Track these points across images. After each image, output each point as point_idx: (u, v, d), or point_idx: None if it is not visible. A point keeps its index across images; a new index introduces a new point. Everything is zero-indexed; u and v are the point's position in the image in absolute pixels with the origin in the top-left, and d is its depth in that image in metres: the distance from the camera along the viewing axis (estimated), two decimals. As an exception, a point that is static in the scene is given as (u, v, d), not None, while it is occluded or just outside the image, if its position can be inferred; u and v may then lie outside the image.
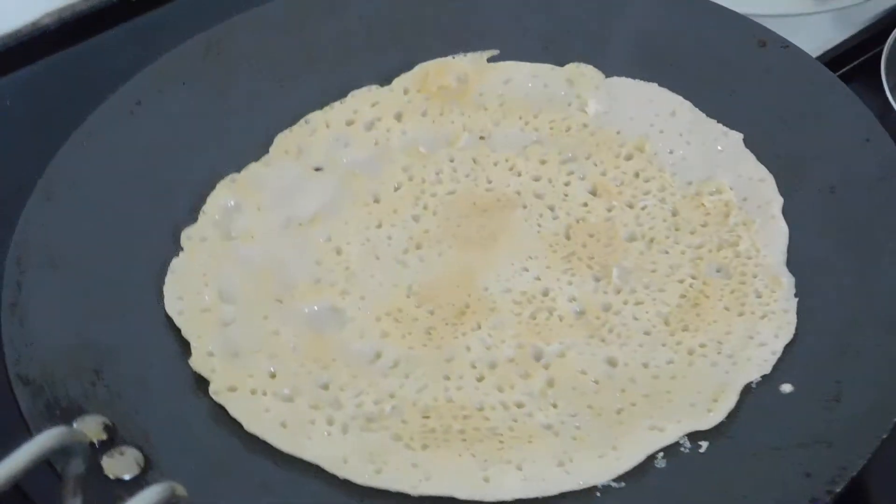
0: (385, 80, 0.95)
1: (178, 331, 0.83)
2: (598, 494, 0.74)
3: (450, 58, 0.95)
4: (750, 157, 0.87)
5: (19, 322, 0.82)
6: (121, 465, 0.75)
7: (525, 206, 0.88)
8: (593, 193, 0.88)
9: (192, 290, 0.84)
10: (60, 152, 0.91)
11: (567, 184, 0.89)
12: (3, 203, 0.91)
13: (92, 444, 0.75)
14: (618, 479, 0.75)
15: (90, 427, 0.76)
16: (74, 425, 0.75)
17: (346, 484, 0.76)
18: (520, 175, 0.89)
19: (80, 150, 0.91)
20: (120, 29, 1.17)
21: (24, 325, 0.82)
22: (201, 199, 0.89)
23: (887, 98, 0.94)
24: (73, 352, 0.81)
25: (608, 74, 0.93)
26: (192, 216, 0.88)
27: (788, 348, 0.79)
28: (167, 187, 0.90)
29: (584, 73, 0.93)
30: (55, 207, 0.88)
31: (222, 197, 0.89)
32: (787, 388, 0.77)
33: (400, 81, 0.94)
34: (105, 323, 0.83)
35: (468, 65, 0.95)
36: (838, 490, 0.71)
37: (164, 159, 0.91)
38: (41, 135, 1.02)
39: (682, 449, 0.76)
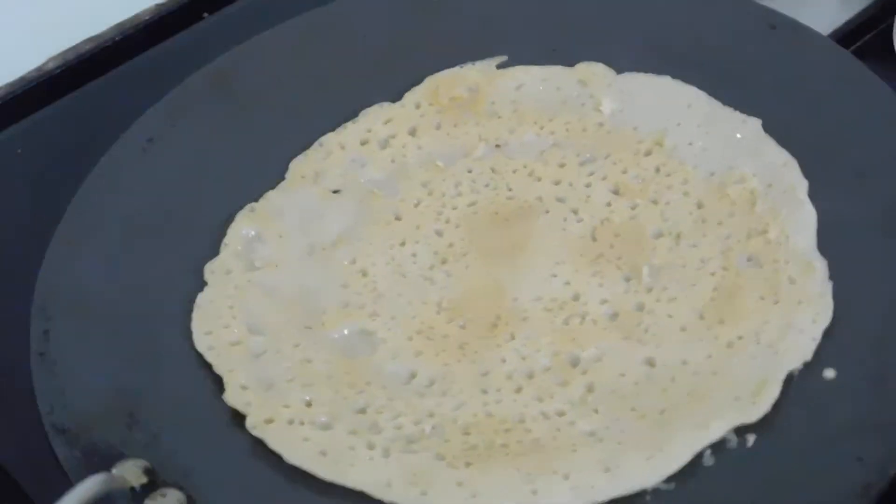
0: (396, 97, 0.94)
1: (209, 366, 0.82)
2: (648, 498, 0.73)
3: (458, 68, 0.94)
4: (771, 143, 0.86)
5: (50, 371, 0.82)
6: (164, 506, 0.74)
7: (548, 212, 0.87)
8: (616, 193, 0.87)
9: (219, 324, 0.83)
10: (77, 196, 0.91)
11: (588, 185, 0.88)
12: (24, 252, 0.91)
13: (132, 488, 0.74)
14: (667, 481, 0.74)
15: (130, 471, 0.75)
16: (114, 471, 0.75)
17: (392, 507, 0.75)
18: (540, 180, 0.88)
19: (97, 192, 0.91)
20: (126, 67, 1.16)
21: (55, 374, 0.81)
22: (222, 232, 0.88)
23: (903, 71, 0.93)
24: (106, 397, 0.80)
25: (619, 71, 0.92)
26: (213, 249, 0.88)
27: (828, 333, 0.78)
28: (186, 222, 0.89)
29: (595, 72, 0.92)
30: (76, 252, 0.88)
31: (243, 228, 0.88)
32: (830, 373, 0.76)
33: (411, 96, 0.93)
34: (136, 365, 0.82)
35: (478, 74, 0.94)
36: (893, 472, 0.70)
37: (180, 194, 0.91)
38: (56, 180, 1.01)
39: (729, 445, 0.75)
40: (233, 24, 1.15)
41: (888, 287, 0.79)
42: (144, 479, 0.75)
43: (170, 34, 1.19)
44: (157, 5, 1.20)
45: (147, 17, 1.20)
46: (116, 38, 1.18)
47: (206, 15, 1.20)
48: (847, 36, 1.00)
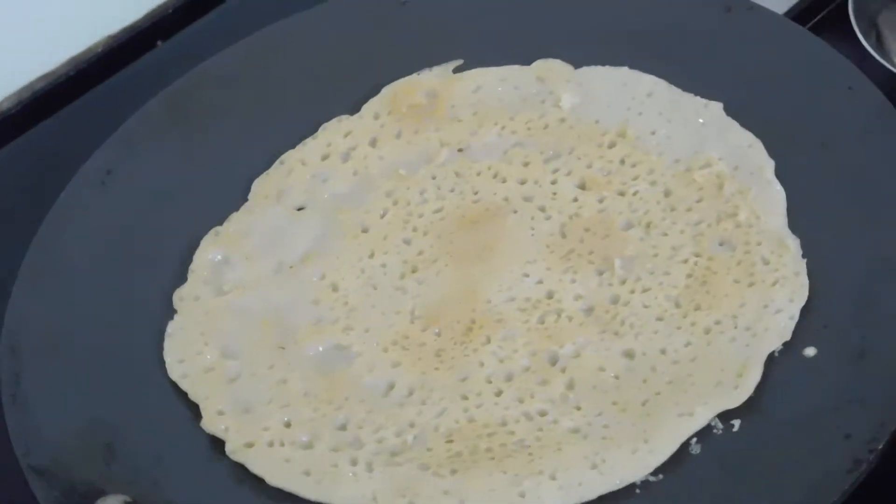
0: (354, 109, 0.93)
1: (185, 395, 0.81)
2: (638, 491, 0.73)
3: (415, 75, 0.94)
4: (734, 125, 0.86)
5: (23, 412, 0.81)
6: (149, 539, 0.73)
7: (515, 212, 0.86)
8: (582, 187, 0.86)
9: (192, 351, 0.82)
10: (38, 234, 0.90)
11: (554, 182, 0.87)
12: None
13: (116, 524, 0.73)
14: (654, 473, 0.73)
15: (113, 506, 0.74)
16: (96, 509, 0.74)
17: (380, 521, 0.74)
18: (505, 181, 0.87)
19: (58, 228, 0.90)
20: (81, 100, 1.15)
21: (28, 415, 0.81)
22: (188, 258, 0.87)
23: (861, 44, 0.92)
24: (82, 433, 0.80)
25: (576, 65, 0.91)
26: (181, 277, 0.87)
27: (805, 311, 0.77)
28: (151, 252, 0.88)
29: (552, 69, 0.91)
30: (42, 291, 0.87)
31: (209, 252, 0.87)
32: (810, 351, 0.75)
33: (369, 107, 0.92)
34: (110, 399, 0.81)
35: (435, 79, 0.93)
36: (880, 447, 0.70)
37: (143, 224, 0.90)
38: (17, 219, 1.00)
39: (714, 431, 0.74)
40: (187, 51, 1.13)
41: (862, 260, 0.78)
42: (128, 515, 0.74)
43: (124, 65, 1.18)
44: (109, 37, 1.19)
45: (100, 50, 1.19)
46: (70, 73, 1.18)
47: (160, 43, 1.19)
48: (803, 13, 1.00)
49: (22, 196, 1.06)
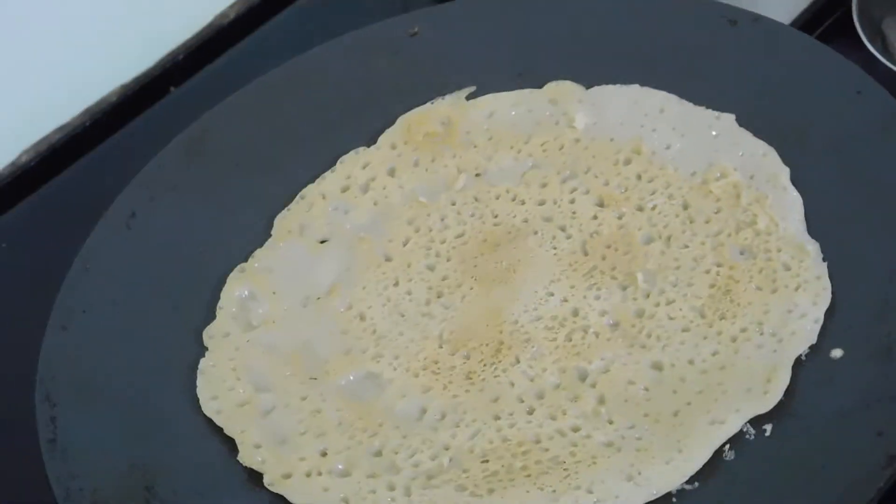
0: (371, 141, 0.94)
1: (220, 430, 0.82)
2: (674, 500, 0.73)
3: (429, 104, 0.95)
4: (747, 136, 0.87)
5: (61, 457, 0.81)
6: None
7: (536, 232, 0.87)
8: (600, 205, 0.87)
9: (224, 387, 0.83)
10: (66, 280, 0.90)
11: (572, 201, 0.88)
12: (22, 342, 0.91)
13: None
14: (690, 481, 0.74)
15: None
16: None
17: (421, 545, 0.74)
18: (524, 203, 0.88)
19: (85, 274, 0.91)
20: (99, 149, 1.17)
21: (67, 460, 0.81)
22: (215, 296, 0.88)
23: (868, 49, 0.93)
24: (121, 475, 0.80)
25: (588, 86, 0.92)
26: (209, 315, 0.88)
27: (829, 313, 0.78)
28: (178, 292, 0.89)
29: (564, 90, 0.93)
30: (72, 336, 0.88)
31: (235, 289, 0.88)
32: (837, 353, 0.76)
33: (385, 138, 0.94)
34: (146, 439, 0.82)
35: (448, 107, 0.94)
36: (914, 442, 0.70)
37: (169, 265, 0.91)
38: (43, 268, 1.02)
39: (747, 437, 0.75)
40: (200, 94, 1.15)
41: (882, 260, 0.79)
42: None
43: (138, 112, 1.19)
44: (122, 86, 1.20)
45: (114, 99, 1.20)
46: (87, 124, 1.19)
47: (172, 89, 1.20)
48: (808, 22, 1.01)
49: (47, 246, 1.08)
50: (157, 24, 1.22)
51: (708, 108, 0.89)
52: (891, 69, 0.90)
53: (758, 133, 0.87)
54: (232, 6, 1.25)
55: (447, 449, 0.78)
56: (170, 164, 0.95)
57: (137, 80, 1.21)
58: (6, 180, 1.15)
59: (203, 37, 1.24)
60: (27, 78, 1.17)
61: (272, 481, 0.78)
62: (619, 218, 0.86)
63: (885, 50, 0.96)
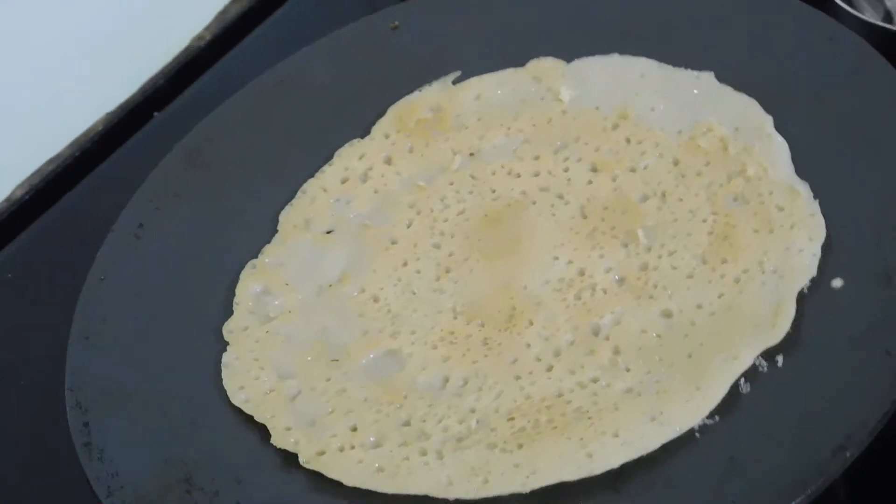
0: (364, 133, 0.97)
1: (250, 419, 0.84)
2: (698, 435, 0.76)
3: (417, 92, 0.98)
4: (727, 90, 0.90)
5: (99, 459, 0.83)
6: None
7: (535, 203, 0.90)
8: (594, 170, 0.90)
9: (250, 377, 0.86)
10: (83, 294, 0.93)
11: (566, 170, 0.91)
12: (39, 367, 0.93)
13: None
14: (710, 416, 0.76)
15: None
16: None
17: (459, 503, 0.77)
18: (519, 176, 0.91)
19: (100, 286, 0.93)
20: (88, 179, 1.19)
21: (104, 461, 0.83)
22: (230, 295, 0.91)
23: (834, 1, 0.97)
24: (159, 471, 0.82)
25: (568, 60, 0.96)
26: (226, 312, 0.90)
27: (826, 247, 0.81)
28: (193, 293, 0.91)
29: (546, 66, 0.96)
30: (95, 346, 0.90)
31: (249, 285, 0.90)
32: (837, 282, 0.79)
33: (379, 128, 0.96)
34: (179, 434, 0.84)
35: (436, 94, 0.97)
36: (922, 355, 0.73)
37: (181, 269, 0.93)
38: (50, 294, 1.04)
39: (760, 369, 0.77)
40: (183, 117, 1.17)
41: (870, 192, 0.82)
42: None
43: (125, 139, 1.22)
44: (108, 115, 1.23)
45: (100, 128, 1.23)
46: (76, 154, 1.21)
47: (156, 114, 1.23)
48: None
49: (49, 273, 1.10)
50: (136, 52, 1.25)
51: (687, 68, 0.92)
52: (856, 16, 0.94)
53: (738, 87, 0.90)
54: (207, 28, 1.28)
55: (473, 412, 0.80)
56: (171, 173, 0.98)
57: (122, 107, 1.24)
58: (3, 215, 1.17)
59: (181, 60, 1.27)
60: (15, 114, 1.19)
61: (307, 460, 0.81)
62: (614, 180, 0.89)
63: (849, 2, 0.99)
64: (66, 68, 1.22)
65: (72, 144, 1.22)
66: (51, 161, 1.21)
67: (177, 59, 1.26)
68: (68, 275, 0.98)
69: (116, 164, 1.20)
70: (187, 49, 1.27)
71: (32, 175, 1.20)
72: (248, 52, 1.26)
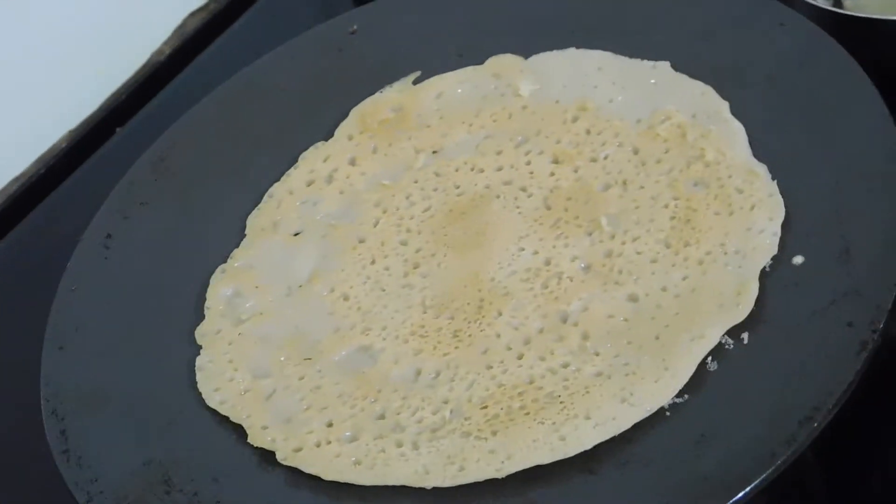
0: (328, 135, 0.98)
1: (227, 419, 0.85)
2: (668, 413, 0.77)
3: (378, 93, 0.99)
4: (683, 79, 0.92)
5: (77, 465, 0.84)
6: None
7: (498, 196, 0.91)
8: (556, 162, 0.91)
9: (224, 378, 0.86)
10: (55, 305, 0.93)
11: (528, 163, 0.92)
12: (19, 371, 0.94)
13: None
14: (679, 395, 0.78)
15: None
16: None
17: (437, 491, 0.78)
18: (482, 171, 0.93)
19: (72, 295, 0.94)
20: (53, 196, 1.21)
21: (83, 467, 0.84)
22: (201, 299, 0.91)
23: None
24: (137, 472, 0.83)
25: (526, 56, 0.97)
26: (198, 317, 0.91)
27: (786, 226, 0.82)
28: (164, 299, 0.92)
29: (505, 63, 0.97)
30: (69, 354, 0.91)
31: (220, 289, 0.91)
32: (798, 259, 0.81)
33: (342, 130, 0.98)
34: (156, 437, 0.85)
35: (397, 94, 0.99)
36: (881, 327, 0.75)
37: (151, 276, 0.94)
38: (27, 304, 1.05)
39: (727, 347, 0.79)
40: (145, 131, 1.17)
41: (825, 171, 0.84)
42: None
43: (88, 155, 1.23)
44: (70, 132, 1.24)
45: (64, 145, 1.24)
46: (41, 171, 1.23)
47: (118, 129, 1.24)
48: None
49: (19, 290, 1.11)
50: (97, 69, 1.26)
51: (643, 59, 0.93)
52: (806, 2, 0.95)
53: (693, 75, 0.92)
54: (166, 43, 1.29)
55: (447, 402, 0.82)
56: (138, 181, 0.99)
57: (84, 124, 1.25)
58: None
59: (142, 75, 1.28)
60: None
61: (285, 456, 0.81)
62: (575, 171, 0.91)
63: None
64: (28, 86, 1.23)
65: (37, 162, 1.23)
66: (16, 179, 1.22)
67: (137, 74, 1.28)
68: (37, 290, 1.00)
69: (81, 179, 1.22)
70: (147, 64, 1.29)
71: (6, 186, 1.21)
72: (207, 65, 1.27)
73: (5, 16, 1.20)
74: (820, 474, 0.82)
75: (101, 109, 1.26)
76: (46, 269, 1.03)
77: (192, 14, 1.30)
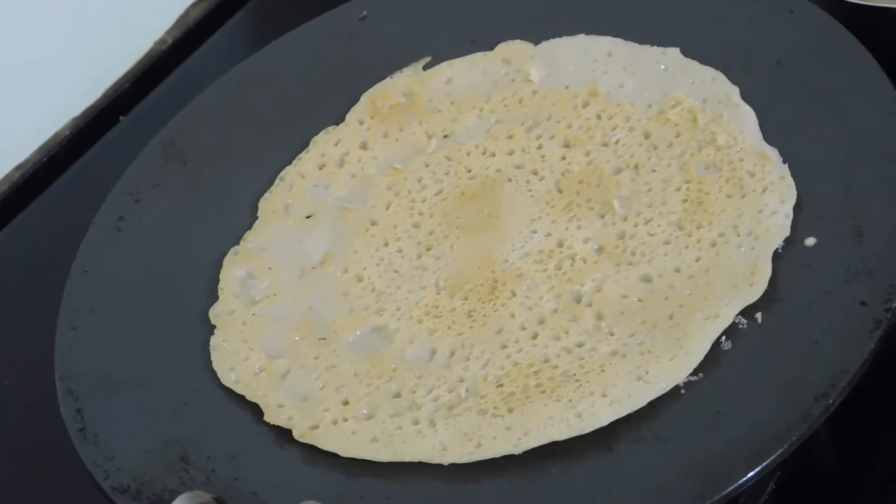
0: (339, 120, 0.99)
1: (242, 397, 0.85)
2: (683, 391, 0.78)
3: (389, 79, 1.00)
4: (693, 64, 0.92)
5: (94, 444, 0.84)
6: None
7: (510, 180, 0.92)
8: (567, 146, 0.92)
9: (239, 358, 0.87)
10: (67, 287, 0.94)
11: (540, 147, 0.93)
12: (33, 356, 0.94)
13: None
14: (694, 373, 0.79)
15: (202, 496, 0.78)
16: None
17: (454, 468, 0.79)
18: (494, 155, 0.94)
19: (84, 277, 0.94)
20: (56, 184, 1.20)
21: (100, 445, 0.84)
22: (214, 280, 0.92)
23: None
24: (155, 451, 0.83)
25: (536, 42, 0.98)
26: (211, 298, 0.91)
27: (798, 208, 0.83)
28: (178, 281, 0.93)
29: (515, 49, 0.98)
30: (83, 334, 0.91)
31: (233, 270, 0.92)
32: (810, 241, 0.82)
33: (353, 115, 0.98)
34: (172, 416, 0.85)
35: (408, 79, 0.99)
36: (895, 305, 0.76)
37: (164, 258, 0.94)
38: (28, 292, 1.05)
39: (740, 327, 0.80)
40: (148, 121, 1.18)
41: (836, 154, 0.85)
42: (215, 504, 0.79)
43: (91, 143, 1.23)
44: (73, 119, 1.24)
45: (67, 133, 1.24)
46: (43, 160, 1.22)
47: (121, 118, 1.24)
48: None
49: (27, 278, 1.11)
50: (100, 57, 1.26)
51: (653, 45, 0.94)
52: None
53: (703, 61, 0.93)
54: (169, 32, 1.30)
55: (462, 381, 0.82)
56: (149, 165, 1.00)
57: (87, 112, 1.25)
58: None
59: (145, 64, 1.28)
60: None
61: (302, 434, 0.82)
62: (587, 155, 0.91)
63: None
64: (31, 74, 1.22)
65: (39, 150, 1.23)
66: (19, 167, 1.22)
67: (140, 62, 1.28)
68: (38, 279, 1.02)
69: (84, 168, 1.21)
70: (150, 52, 1.29)
71: (1, 182, 1.20)
72: (210, 54, 1.27)
73: (7, 4, 1.20)
74: (832, 451, 0.83)
75: (104, 98, 1.26)
76: (49, 258, 1.03)
77: (195, 4, 1.31)
